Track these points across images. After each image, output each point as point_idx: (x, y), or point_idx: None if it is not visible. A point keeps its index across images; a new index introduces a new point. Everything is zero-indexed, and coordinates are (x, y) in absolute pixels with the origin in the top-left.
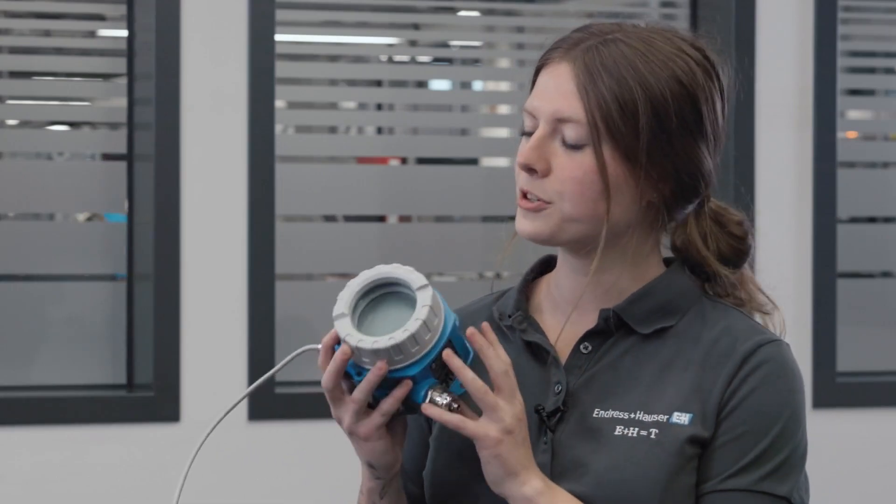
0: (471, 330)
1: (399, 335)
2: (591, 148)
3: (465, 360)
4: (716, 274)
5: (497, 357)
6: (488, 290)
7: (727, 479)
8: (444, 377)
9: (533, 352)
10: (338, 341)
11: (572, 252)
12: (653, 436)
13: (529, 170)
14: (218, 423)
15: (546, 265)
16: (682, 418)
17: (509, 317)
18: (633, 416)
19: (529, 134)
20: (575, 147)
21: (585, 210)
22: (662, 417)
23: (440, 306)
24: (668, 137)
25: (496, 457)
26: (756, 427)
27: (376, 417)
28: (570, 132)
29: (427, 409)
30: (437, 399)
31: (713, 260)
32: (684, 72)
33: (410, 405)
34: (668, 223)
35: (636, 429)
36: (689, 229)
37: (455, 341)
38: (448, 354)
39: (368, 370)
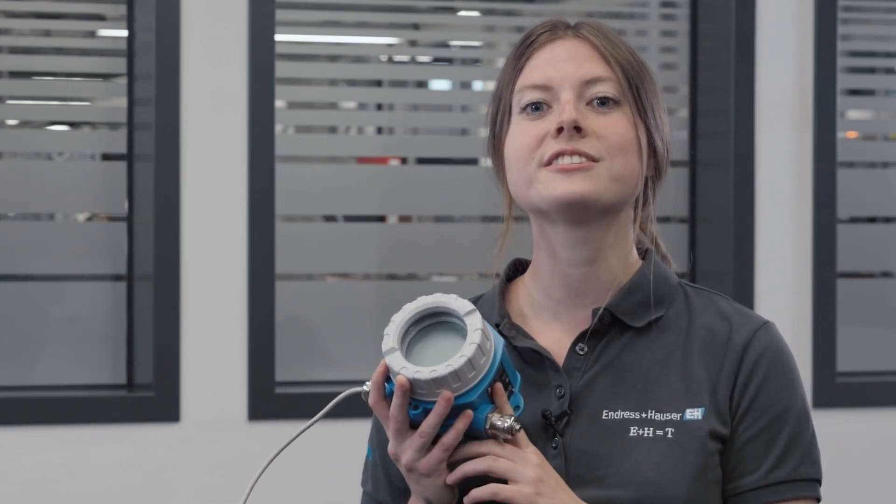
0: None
1: (456, 361)
2: (625, 105)
3: (514, 383)
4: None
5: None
6: (489, 289)
7: (769, 473)
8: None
9: (525, 357)
10: (387, 377)
11: (584, 231)
12: (669, 435)
13: (577, 128)
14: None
15: (515, 270)
16: (694, 413)
17: (497, 325)
18: (644, 415)
19: (536, 108)
20: (607, 107)
21: (627, 168)
22: (675, 416)
23: (489, 329)
24: (661, 109)
25: None
26: (776, 415)
27: (438, 452)
28: (604, 89)
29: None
30: (498, 423)
31: (656, 233)
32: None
33: (471, 433)
34: (644, 207)
35: (651, 428)
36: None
37: (505, 363)
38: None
39: (424, 402)
